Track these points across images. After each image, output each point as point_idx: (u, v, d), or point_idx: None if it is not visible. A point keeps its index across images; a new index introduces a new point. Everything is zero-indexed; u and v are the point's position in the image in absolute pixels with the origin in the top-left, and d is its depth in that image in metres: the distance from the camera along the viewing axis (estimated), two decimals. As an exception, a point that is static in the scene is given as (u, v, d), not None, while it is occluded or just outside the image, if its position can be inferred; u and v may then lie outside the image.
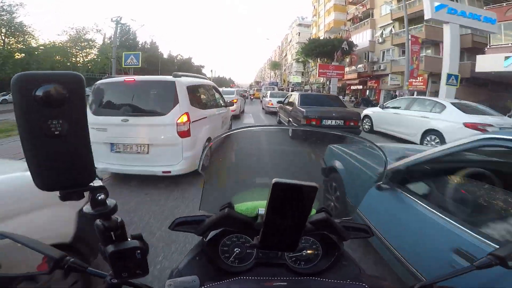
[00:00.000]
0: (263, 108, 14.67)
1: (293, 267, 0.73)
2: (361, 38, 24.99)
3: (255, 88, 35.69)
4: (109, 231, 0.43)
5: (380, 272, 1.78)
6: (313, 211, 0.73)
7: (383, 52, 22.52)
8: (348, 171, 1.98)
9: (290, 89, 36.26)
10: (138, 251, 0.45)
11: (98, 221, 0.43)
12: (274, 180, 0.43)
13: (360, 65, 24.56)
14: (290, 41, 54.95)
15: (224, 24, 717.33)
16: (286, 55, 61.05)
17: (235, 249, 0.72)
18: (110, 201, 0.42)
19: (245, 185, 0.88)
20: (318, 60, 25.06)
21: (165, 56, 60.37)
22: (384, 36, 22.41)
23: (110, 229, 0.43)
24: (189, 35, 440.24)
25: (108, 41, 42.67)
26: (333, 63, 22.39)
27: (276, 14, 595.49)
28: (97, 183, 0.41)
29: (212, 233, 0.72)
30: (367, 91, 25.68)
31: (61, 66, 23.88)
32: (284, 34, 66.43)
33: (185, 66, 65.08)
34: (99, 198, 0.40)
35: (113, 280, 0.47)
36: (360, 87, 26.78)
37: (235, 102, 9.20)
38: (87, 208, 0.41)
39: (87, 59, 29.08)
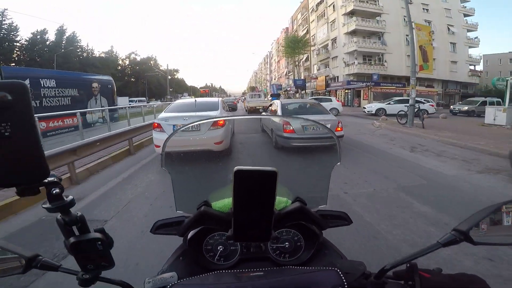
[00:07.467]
0: None
1: (277, 260, 0.74)
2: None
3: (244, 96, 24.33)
4: (70, 225, 0.46)
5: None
6: (288, 201, 0.73)
7: None
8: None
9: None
10: (99, 242, 0.47)
11: (58, 216, 0.45)
12: (235, 168, 0.45)
13: None
14: (319, 3, 32.06)
15: (212, 29, 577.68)
16: (307, 32, 36.27)
17: (218, 247, 0.73)
18: (68, 197, 0.45)
19: (221, 182, 0.86)
20: None
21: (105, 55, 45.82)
22: None
23: (70, 223, 0.45)
24: (170, 38, 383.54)
25: None
26: None
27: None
28: (52, 179, 0.43)
29: (191, 233, 0.72)
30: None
31: None
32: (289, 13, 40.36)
33: (143, 68, 50.41)
34: (54, 192, 0.43)
35: (85, 275, 0.49)
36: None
37: None
38: (45, 203, 0.43)
39: None
